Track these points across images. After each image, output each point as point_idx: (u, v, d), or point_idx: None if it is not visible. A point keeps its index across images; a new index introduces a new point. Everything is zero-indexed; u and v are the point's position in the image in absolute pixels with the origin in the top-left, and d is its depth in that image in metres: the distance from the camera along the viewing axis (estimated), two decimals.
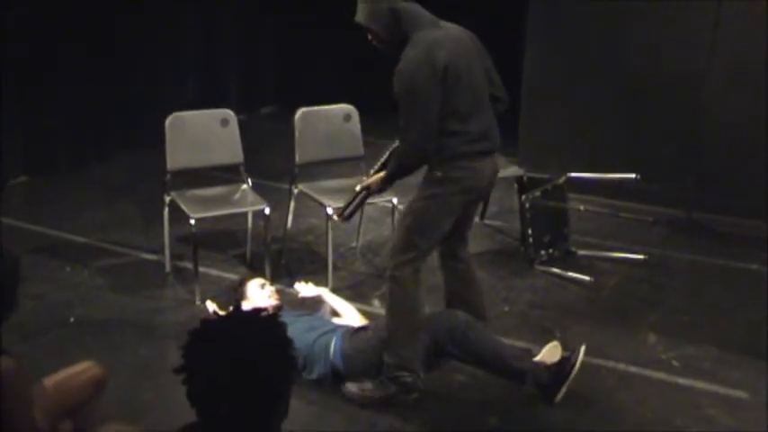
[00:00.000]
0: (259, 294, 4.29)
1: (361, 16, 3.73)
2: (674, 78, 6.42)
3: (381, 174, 3.93)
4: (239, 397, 1.95)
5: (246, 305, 4.11)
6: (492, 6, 7.93)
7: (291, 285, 4.65)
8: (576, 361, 3.79)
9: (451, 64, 3.59)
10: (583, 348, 3.85)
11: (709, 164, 6.45)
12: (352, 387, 3.88)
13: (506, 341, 4.37)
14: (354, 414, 3.78)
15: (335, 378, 3.94)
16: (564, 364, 3.83)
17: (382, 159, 4.02)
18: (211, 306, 4.45)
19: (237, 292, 4.35)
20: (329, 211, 4.86)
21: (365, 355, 3.92)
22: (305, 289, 4.53)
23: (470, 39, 3.84)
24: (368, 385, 3.87)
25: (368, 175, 4.08)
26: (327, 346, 3.96)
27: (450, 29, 3.78)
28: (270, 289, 4.37)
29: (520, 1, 7.01)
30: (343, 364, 3.92)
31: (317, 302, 4.53)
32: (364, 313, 4.50)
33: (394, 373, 3.81)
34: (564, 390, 3.79)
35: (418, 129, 3.59)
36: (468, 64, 3.72)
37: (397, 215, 5.13)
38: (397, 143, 3.80)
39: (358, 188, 4.05)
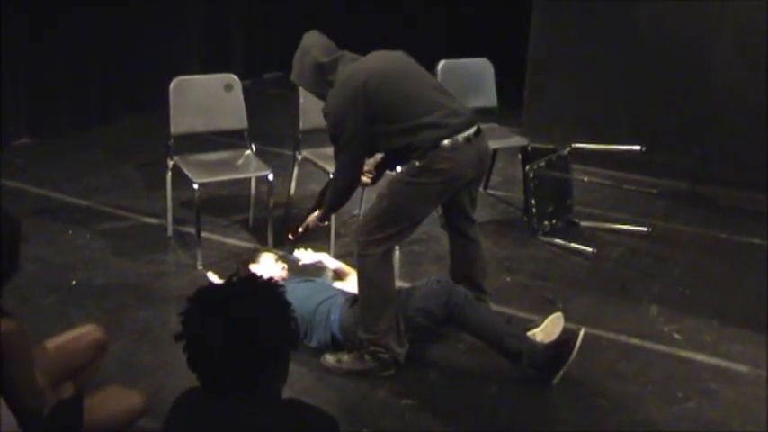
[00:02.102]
0: (270, 264, 4.27)
1: (293, 76, 4.00)
2: (681, 49, 6.38)
3: (316, 213, 4.17)
4: (238, 362, 1.94)
5: (254, 267, 4.13)
6: None
7: (292, 252, 4.65)
8: (574, 345, 3.76)
9: (368, 78, 3.70)
10: (582, 332, 3.81)
11: (714, 136, 6.43)
12: (329, 358, 3.88)
13: (508, 311, 4.38)
14: (354, 381, 3.79)
15: (335, 346, 3.94)
16: (561, 348, 3.80)
17: (317, 199, 4.25)
18: (212, 276, 4.44)
19: (249, 257, 4.36)
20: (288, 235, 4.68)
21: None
22: (305, 256, 4.51)
23: (402, 55, 3.95)
24: (345, 357, 3.86)
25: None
26: (328, 315, 3.95)
27: (372, 55, 3.91)
28: (283, 265, 4.33)
29: None
30: (341, 334, 3.92)
31: (318, 269, 4.52)
32: None
33: (369, 348, 3.80)
34: (561, 373, 3.76)
35: (346, 164, 3.83)
36: (395, 67, 3.84)
37: None
38: (325, 183, 4.14)
39: (300, 230, 4.28)
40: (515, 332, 3.89)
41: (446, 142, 3.66)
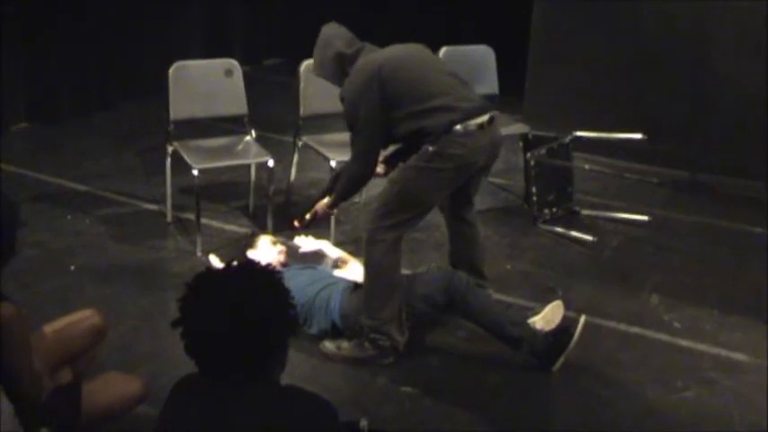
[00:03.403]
0: (268, 249, 4.27)
1: (314, 66, 4.02)
2: (682, 39, 6.37)
3: (326, 200, 4.11)
4: (237, 348, 1.94)
5: (252, 254, 4.14)
6: None
7: (292, 238, 4.63)
8: (574, 333, 3.76)
9: (385, 62, 3.72)
10: (582, 320, 3.81)
11: (715, 126, 6.41)
12: (329, 345, 3.87)
13: (509, 299, 4.38)
14: (354, 369, 3.78)
15: (335, 333, 3.93)
16: (562, 335, 3.80)
17: (328, 185, 4.16)
18: (214, 260, 4.43)
19: (246, 242, 4.36)
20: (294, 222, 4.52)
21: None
22: (305, 243, 4.50)
23: (420, 46, 3.97)
24: (345, 344, 3.85)
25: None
26: (329, 301, 3.94)
27: (391, 46, 3.91)
28: (281, 248, 4.33)
29: None
30: (341, 321, 3.91)
31: (319, 256, 4.51)
32: None
33: (370, 335, 3.79)
34: (562, 360, 3.76)
35: (361, 150, 3.80)
36: (410, 54, 3.86)
37: None
38: (337, 169, 4.07)
39: (308, 217, 4.21)
40: (516, 319, 3.89)
41: (458, 127, 3.65)
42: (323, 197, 4.16)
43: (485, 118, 3.74)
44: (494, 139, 3.83)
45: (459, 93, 3.77)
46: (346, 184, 3.96)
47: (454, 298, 3.83)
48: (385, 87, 3.66)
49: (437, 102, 3.68)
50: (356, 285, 4.01)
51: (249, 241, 4.38)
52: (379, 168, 4.06)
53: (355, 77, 3.74)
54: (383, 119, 3.70)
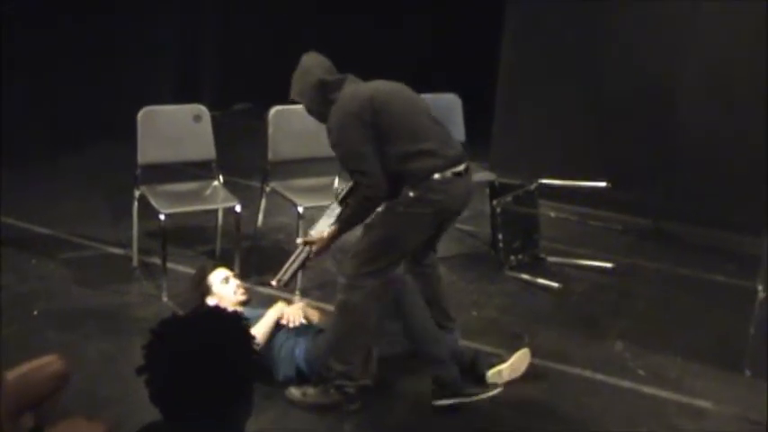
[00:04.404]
0: (224, 289, 4.13)
1: (293, 92, 3.92)
2: (647, 87, 6.47)
3: (327, 231, 3.89)
4: (202, 396, 1.93)
5: (211, 300, 4.05)
6: (469, 12, 7.94)
7: (260, 283, 4.61)
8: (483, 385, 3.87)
9: (376, 93, 3.74)
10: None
11: (679, 174, 6.50)
12: (294, 391, 3.85)
13: (475, 346, 4.38)
14: (320, 415, 3.76)
15: (300, 379, 3.91)
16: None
17: (330, 221, 3.93)
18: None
19: (200, 287, 4.18)
20: (272, 282, 4.11)
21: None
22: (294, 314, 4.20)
23: (403, 85, 3.94)
24: (310, 390, 3.84)
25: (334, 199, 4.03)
26: (294, 348, 3.93)
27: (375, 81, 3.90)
28: (234, 282, 4.20)
29: (497, 6, 7.02)
30: (306, 366, 3.91)
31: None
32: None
33: (337, 381, 3.78)
34: (450, 402, 3.80)
35: (366, 174, 3.67)
36: (398, 90, 3.86)
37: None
38: (334, 205, 3.92)
39: (299, 241, 4.00)
40: (440, 338, 3.92)
41: (437, 176, 3.68)
42: (309, 243, 3.93)
43: (462, 167, 3.78)
44: (468, 187, 3.88)
45: (442, 138, 3.81)
46: (357, 209, 3.80)
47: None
48: (377, 118, 3.66)
49: (424, 146, 3.70)
50: (319, 330, 4.00)
51: (203, 286, 4.16)
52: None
53: (346, 103, 3.71)
54: (375, 145, 3.67)
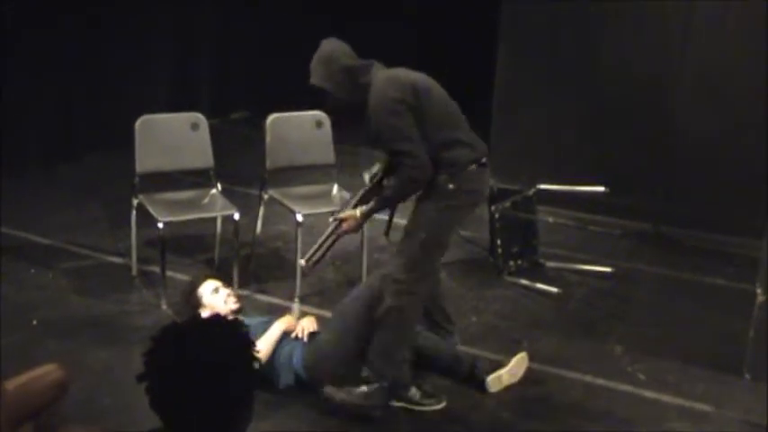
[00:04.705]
0: (215, 300, 4.11)
1: (317, 79, 3.83)
2: (644, 92, 6.48)
3: (355, 211, 3.88)
4: (202, 403, 1.93)
5: (204, 313, 3.99)
6: (464, 17, 7.95)
7: (260, 291, 4.61)
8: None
9: (417, 81, 3.74)
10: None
11: (678, 178, 6.50)
12: (335, 391, 3.82)
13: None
14: (321, 420, 3.76)
15: (299, 386, 3.91)
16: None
17: (358, 196, 3.94)
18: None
19: (191, 300, 4.14)
20: (301, 262, 4.26)
21: (328, 362, 3.91)
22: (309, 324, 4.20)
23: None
24: (355, 391, 3.81)
25: (346, 206, 4.00)
26: (291, 355, 3.93)
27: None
28: (225, 291, 4.17)
29: (492, 11, 7.03)
30: (305, 372, 3.91)
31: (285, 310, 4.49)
32: None
33: (386, 384, 3.81)
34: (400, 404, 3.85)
35: (410, 153, 3.62)
36: (432, 82, 3.84)
37: (366, 224, 5.11)
38: (368, 181, 3.89)
39: (331, 220, 3.97)
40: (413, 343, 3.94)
41: (473, 166, 3.74)
42: (342, 221, 3.90)
43: (485, 159, 3.85)
44: (489, 179, 3.95)
45: (468, 129, 3.85)
46: (400, 190, 3.75)
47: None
48: (419, 102, 3.65)
49: (460, 135, 3.75)
50: (311, 334, 4.00)
51: (193, 298, 4.14)
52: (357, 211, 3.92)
53: (387, 87, 3.67)
54: (419, 126, 3.65)
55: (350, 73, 3.77)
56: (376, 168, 3.98)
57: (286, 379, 3.92)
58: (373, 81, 3.72)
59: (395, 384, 3.84)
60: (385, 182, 3.87)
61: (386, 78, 3.72)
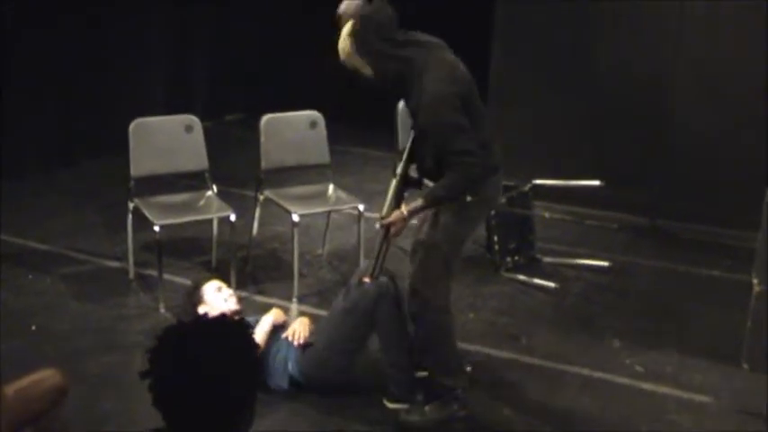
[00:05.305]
0: (216, 298, 4.11)
1: (353, 50, 3.54)
2: (640, 85, 6.49)
3: (400, 211, 3.64)
4: (205, 402, 1.93)
5: (203, 309, 4.00)
6: (458, 13, 7.95)
7: (258, 292, 4.61)
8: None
9: (466, 73, 3.59)
10: None
11: (673, 171, 6.51)
12: (410, 416, 3.79)
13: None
14: (321, 420, 3.77)
15: (296, 388, 3.93)
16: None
17: (390, 194, 3.70)
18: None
19: (193, 296, 4.14)
20: (366, 280, 3.92)
21: (327, 371, 3.91)
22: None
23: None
24: (427, 409, 3.79)
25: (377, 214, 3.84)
26: (285, 361, 3.94)
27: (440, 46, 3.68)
28: (227, 291, 4.19)
29: (486, 7, 7.04)
30: (302, 378, 3.93)
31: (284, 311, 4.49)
32: None
33: (449, 394, 3.79)
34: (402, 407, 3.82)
35: (474, 155, 3.45)
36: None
37: (363, 223, 5.14)
38: (398, 175, 3.69)
39: (378, 226, 3.74)
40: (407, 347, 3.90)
41: (494, 166, 3.64)
42: (389, 225, 3.65)
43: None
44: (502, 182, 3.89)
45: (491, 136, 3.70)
46: (455, 189, 3.53)
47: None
48: (471, 98, 3.55)
49: (487, 136, 3.60)
50: (304, 345, 3.98)
51: (196, 295, 4.13)
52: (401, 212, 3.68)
53: (446, 78, 3.47)
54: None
55: (390, 44, 3.52)
56: (399, 164, 3.79)
57: (280, 382, 3.92)
58: (425, 66, 3.48)
59: (455, 390, 3.80)
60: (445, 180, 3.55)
61: (443, 67, 3.51)
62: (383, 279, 3.86)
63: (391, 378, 3.87)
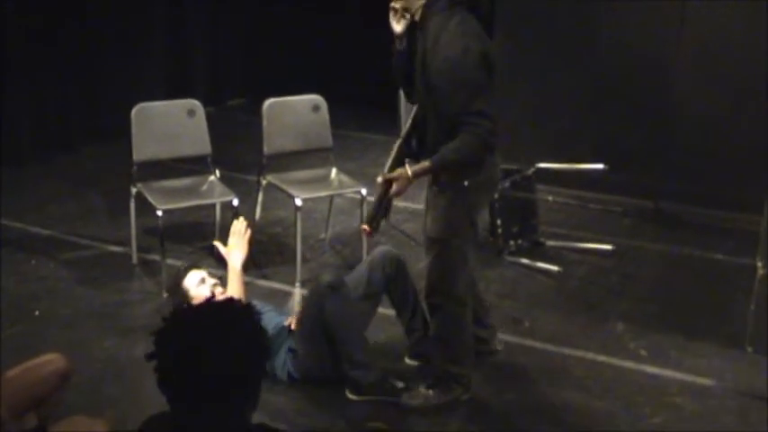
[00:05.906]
0: (201, 291, 3.89)
1: None
2: (642, 68, 6.45)
3: (405, 170, 3.53)
4: (209, 383, 1.93)
5: (194, 295, 3.86)
6: None
7: (261, 277, 4.61)
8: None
9: (488, 40, 3.54)
10: None
11: (677, 154, 6.48)
12: (412, 400, 3.78)
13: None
14: (325, 404, 3.79)
15: (291, 378, 3.92)
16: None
17: (392, 156, 3.63)
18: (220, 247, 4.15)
19: (178, 295, 3.92)
20: (364, 227, 3.80)
21: (316, 371, 3.89)
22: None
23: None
24: (430, 393, 3.79)
25: (382, 174, 3.65)
26: (285, 359, 3.92)
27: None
28: (211, 281, 3.97)
29: None
30: (300, 376, 3.91)
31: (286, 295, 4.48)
32: None
33: (454, 381, 3.80)
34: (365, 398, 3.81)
35: (491, 120, 3.36)
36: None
37: (366, 207, 5.12)
38: (400, 139, 3.64)
39: (378, 181, 3.61)
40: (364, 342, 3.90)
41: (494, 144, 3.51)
42: (390, 181, 3.56)
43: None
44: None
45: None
46: (465, 155, 3.41)
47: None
48: (486, 50, 3.43)
49: (495, 110, 3.47)
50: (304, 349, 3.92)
51: (181, 293, 3.93)
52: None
53: (470, 35, 3.40)
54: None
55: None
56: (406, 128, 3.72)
57: (279, 374, 3.91)
58: (445, 21, 3.39)
59: (460, 378, 3.82)
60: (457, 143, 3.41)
61: (470, 24, 3.41)
62: (331, 278, 3.84)
63: (345, 375, 3.82)
